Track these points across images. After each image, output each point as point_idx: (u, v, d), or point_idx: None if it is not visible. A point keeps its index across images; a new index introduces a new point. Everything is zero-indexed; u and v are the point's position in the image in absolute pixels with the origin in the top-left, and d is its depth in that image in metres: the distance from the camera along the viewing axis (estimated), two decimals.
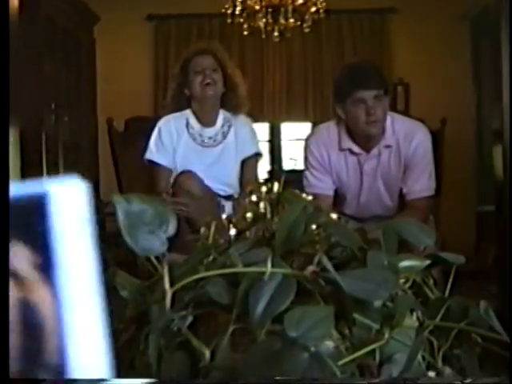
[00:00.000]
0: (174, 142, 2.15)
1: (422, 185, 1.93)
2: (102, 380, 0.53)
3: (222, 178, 2.14)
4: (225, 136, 2.18)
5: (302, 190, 1.90)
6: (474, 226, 4.32)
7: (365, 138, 1.91)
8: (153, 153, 2.15)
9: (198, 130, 2.17)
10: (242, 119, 2.23)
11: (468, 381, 0.60)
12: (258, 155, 2.23)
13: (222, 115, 2.20)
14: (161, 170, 2.15)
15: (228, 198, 2.14)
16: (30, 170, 2.97)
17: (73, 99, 3.81)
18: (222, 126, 2.19)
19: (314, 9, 3.93)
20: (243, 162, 2.19)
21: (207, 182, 2.12)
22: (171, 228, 0.56)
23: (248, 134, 2.22)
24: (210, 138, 2.17)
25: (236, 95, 2.19)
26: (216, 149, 2.17)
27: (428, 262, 0.67)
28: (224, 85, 2.16)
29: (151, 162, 2.16)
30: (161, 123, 2.18)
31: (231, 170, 2.17)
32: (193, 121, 2.18)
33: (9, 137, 2.09)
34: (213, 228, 0.73)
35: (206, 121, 2.17)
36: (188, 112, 2.19)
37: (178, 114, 2.18)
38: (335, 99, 1.97)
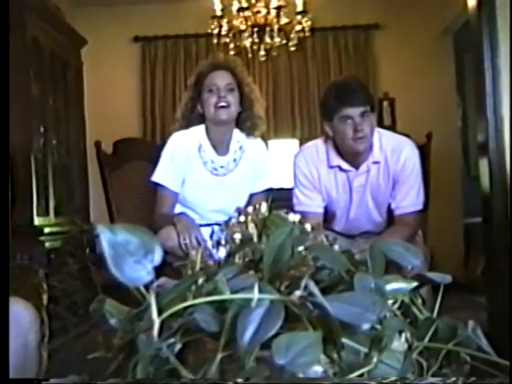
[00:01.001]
0: (185, 165, 2.01)
1: (410, 200, 1.93)
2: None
3: (227, 210, 1.95)
4: (236, 164, 2.07)
5: (291, 208, 1.90)
6: (462, 238, 4.35)
7: (353, 155, 1.92)
8: (162, 175, 2.00)
9: (210, 156, 2.04)
10: (256, 145, 2.11)
11: (468, 381, 0.59)
12: (268, 190, 2.12)
13: (235, 138, 2.07)
14: (167, 193, 2.01)
15: None
16: (19, 193, 2.96)
17: (61, 122, 3.81)
18: (235, 152, 2.07)
19: (299, 27, 3.98)
20: (252, 195, 2.10)
21: (210, 213, 2.03)
22: (157, 257, 0.56)
23: (261, 167, 2.11)
24: (222, 167, 2.05)
25: (251, 115, 2.06)
26: (226, 179, 2.06)
27: (415, 283, 0.67)
28: (240, 104, 2.03)
29: (158, 184, 2.01)
30: (173, 143, 2.03)
31: (238, 203, 2.01)
32: (205, 143, 2.04)
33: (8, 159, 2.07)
34: (199, 255, 0.73)
35: (219, 144, 2.04)
36: (200, 131, 2.04)
37: (190, 132, 2.04)
38: (323, 117, 1.98)
